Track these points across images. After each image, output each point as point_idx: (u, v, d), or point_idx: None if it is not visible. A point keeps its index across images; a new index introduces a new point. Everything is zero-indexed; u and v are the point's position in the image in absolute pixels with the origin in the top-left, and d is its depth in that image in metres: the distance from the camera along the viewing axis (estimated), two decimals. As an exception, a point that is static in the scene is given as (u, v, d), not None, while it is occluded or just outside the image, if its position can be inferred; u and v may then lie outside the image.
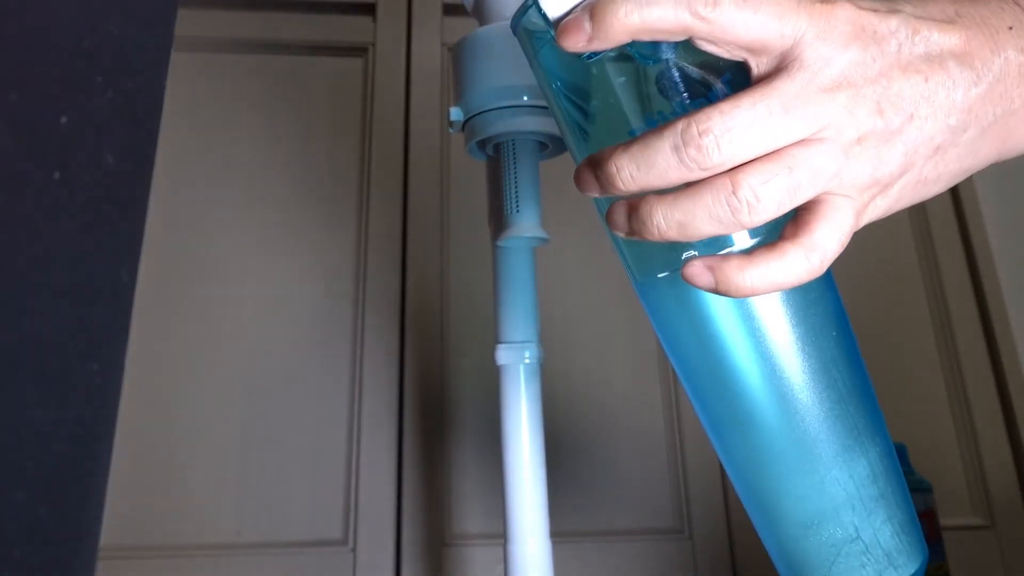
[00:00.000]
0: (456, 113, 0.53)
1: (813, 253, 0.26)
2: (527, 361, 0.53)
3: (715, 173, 0.26)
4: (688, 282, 0.27)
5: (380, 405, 0.99)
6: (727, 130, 0.25)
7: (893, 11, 0.27)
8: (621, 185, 0.27)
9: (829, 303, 0.30)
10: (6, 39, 0.26)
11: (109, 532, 0.91)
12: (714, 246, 0.28)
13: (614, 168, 0.27)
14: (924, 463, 0.99)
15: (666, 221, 0.26)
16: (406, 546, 0.94)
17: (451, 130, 0.55)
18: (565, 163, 0.53)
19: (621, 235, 0.29)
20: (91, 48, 0.28)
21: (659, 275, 0.30)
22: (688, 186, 0.26)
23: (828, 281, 0.31)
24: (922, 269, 1.16)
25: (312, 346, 1.02)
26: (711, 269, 0.27)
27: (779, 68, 0.26)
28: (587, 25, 0.26)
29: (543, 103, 0.52)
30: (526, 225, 0.52)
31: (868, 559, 0.27)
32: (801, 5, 0.26)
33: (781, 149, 0.26)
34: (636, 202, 0.28)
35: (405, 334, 1.03)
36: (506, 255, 0.55)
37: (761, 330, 0.28)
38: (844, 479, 0.27)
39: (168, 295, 1.02)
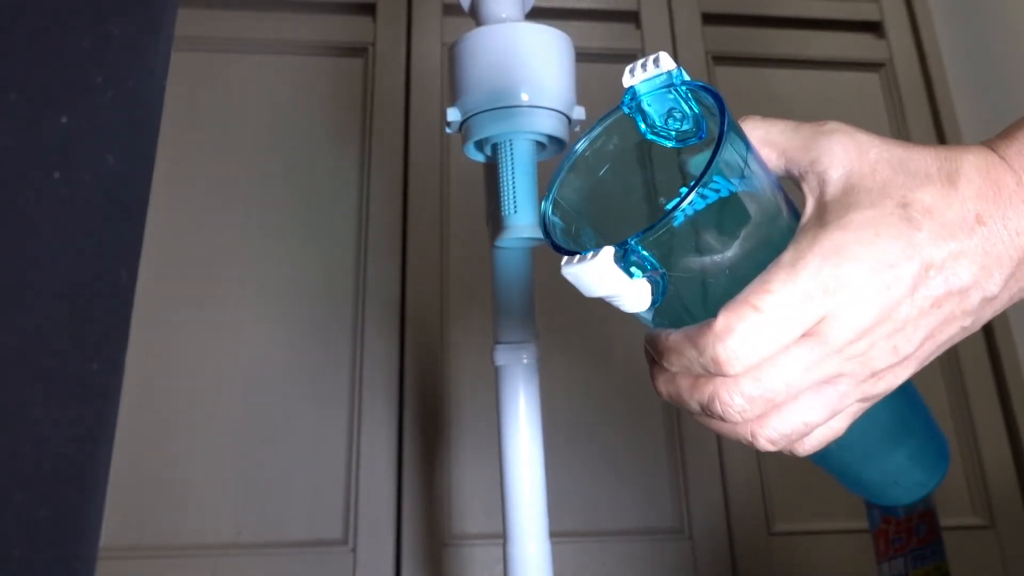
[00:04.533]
0: (453, 114, 0.53)
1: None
2: (525, 362, 0.53)
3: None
4: None
5: (380, 405, 1.00)
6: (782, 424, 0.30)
7: (909, 255, 0.28)
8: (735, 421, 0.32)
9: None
10: (6, 39, 0.26)
11: (109, 532, 0.91)
12: None
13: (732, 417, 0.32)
14: (924, 463, 0.99)
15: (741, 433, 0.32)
16: (406, 546, 0.94)
17: (448, 130, 0.55)
18: (564, 163, 0.53)
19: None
20: (91, 48, 0.28)
21: None
22: None
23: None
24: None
25: (312, 346, 1.02)
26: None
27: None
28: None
29: (541, 103, 0.52)
30: (524, 226, 0.52)
31: (903, 484, 0.43)
32: (814, 292, 0.28)
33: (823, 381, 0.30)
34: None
35: (405, 334, 1.03)
36: (504, 256, 0.55)
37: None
38: (896, 460, 0.42)
39: (168, 295, 1.02)
